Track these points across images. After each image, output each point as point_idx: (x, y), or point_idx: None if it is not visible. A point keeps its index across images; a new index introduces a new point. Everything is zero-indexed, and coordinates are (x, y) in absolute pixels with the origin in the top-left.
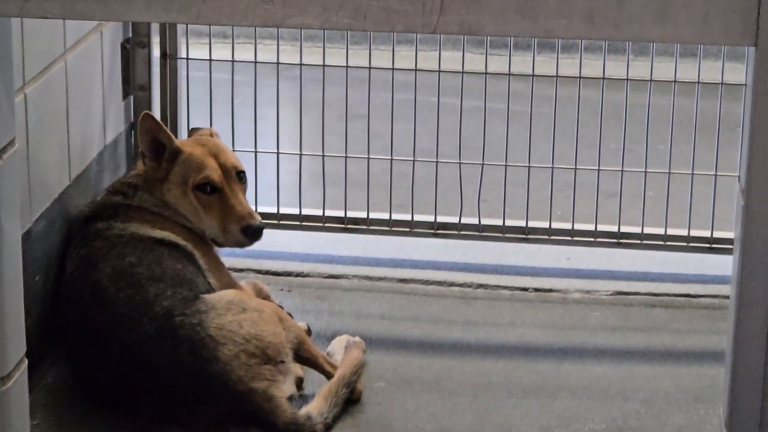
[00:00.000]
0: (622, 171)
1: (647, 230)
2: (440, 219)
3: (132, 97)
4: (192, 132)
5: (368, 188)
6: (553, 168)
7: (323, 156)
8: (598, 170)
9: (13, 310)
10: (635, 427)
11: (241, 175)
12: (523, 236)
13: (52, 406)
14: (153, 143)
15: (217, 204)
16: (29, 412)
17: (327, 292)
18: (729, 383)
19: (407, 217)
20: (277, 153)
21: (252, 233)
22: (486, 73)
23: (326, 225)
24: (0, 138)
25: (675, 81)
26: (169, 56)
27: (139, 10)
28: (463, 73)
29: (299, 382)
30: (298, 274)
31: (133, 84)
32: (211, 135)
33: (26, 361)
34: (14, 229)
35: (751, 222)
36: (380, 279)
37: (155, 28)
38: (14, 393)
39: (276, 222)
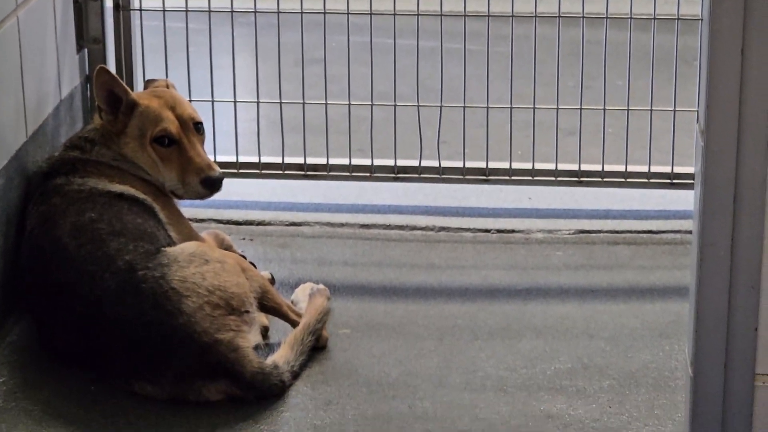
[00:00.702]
0: (580, 109)
1: (608, 168)
2: (400, 162)
3: (86, 50)
4: (148, 83)
5: (327, 134)
6: (511, 108)
7: (281, 103)
8: (557, 109)
9: None
10: (601, 365)
11: (198, 126)
12: (484, 177)
13: (18, 364)
14: (109, 97)
15: (176, 156)
16: None
17: (289, 240)
18: (693, 321)
19: (367, 161)
20: (234, 101)
21: (211, 185)
22: (441, 15)
23: (286, 172)
24: None
25: (631, 17)
26: (122, 7)
27: None
28: (418, 15)
29: (264, 332)
30: (259, 223)
31: (86, 37)
32: (167, 86)
33: None
34: None
35: (711, 162)
36: (342, 225)
37: None
38: None
39: (235, 171)
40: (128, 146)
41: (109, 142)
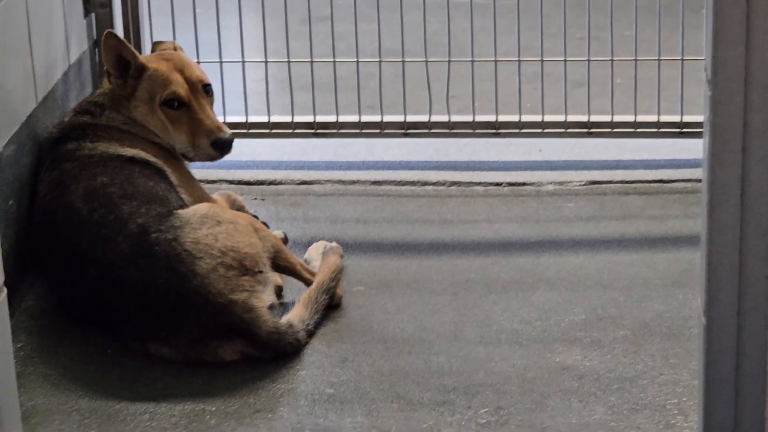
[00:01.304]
0: (588, 60)
1: (617, 118)
2: (410, 118)
3: (93, 14)
4: (155, 46)
5: (336, 91)
6: (519, 61)
7: (289, 62)
8: (565, 61)
9: None
10: (615, 316)
11: (207, 88)
12: (494, 131)
13: (35, 329)
14: (117, 61)
15: (185, 119)
16: (11, 336)
17: (301, 198)
18: (705, 270)
19: (377, 118)
20: (243, 62)
21: (222, 146)
22: None
23: (296, 131)
24: None
25: None
26: None
27: None
28: None
29: (279, 291)
30: (270, 183)
31: (93, 1)
32: (175, 49)
33: (5, 290)
34: None
35: (718, 111)
36: (353, 182)
37: None
38: None
39: (245, 131)
40: (138, 110)
41: (119, 106)
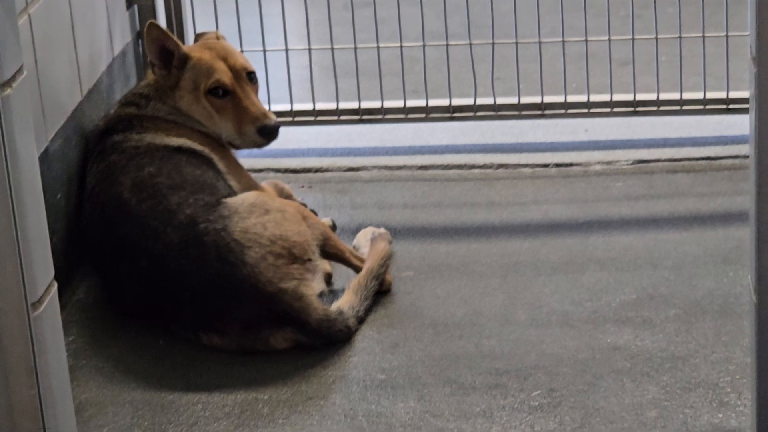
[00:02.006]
0: (633, 39)
1: (663, 96)
2: (455, 102)
3: (135, 6)
4: (198, 37)
5: (380, 77)
6: (564, 41)
7: (332, 48)
8: (609, 40)
9: (38, 235)
10: (666, 295)
11: (251, 76)
12: (540, 112)
13: (86, 321)
14: (161, 52)
15: (231, 107)
16: (63, 330)
17: (348, 185)
18: (754, 246)
19: (422, 102)
20: (286, 50)
21: (268, 133)
22: None
23: (341, 118)
24: (7, 67)
25: None
26: None
27: None
28: None
29: (328, 279)
30: (317, 170)
31: None
32: (218, 38)
33: (56, 285)
34: (31, 155)
35: (764, 88)
36: (400, 168)
37: None
38: (46, 317)
39: (291, 119)
40: (183, 99)
41: (164, 97)
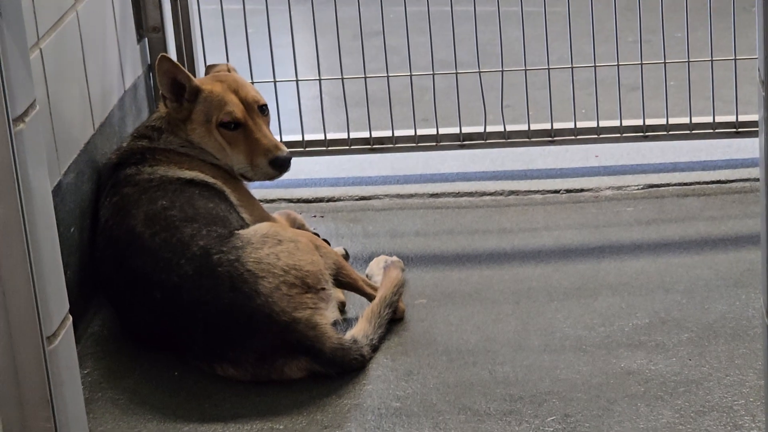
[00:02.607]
0: (641, 64)
1: (672, 120)
2: (465, 129)
3: (146, 39)
4: (209, 69)
5: (390, 106)
6: (572, 67)
7: (342, 78)
8: (618, 65)
9: (53, 269)
10: (678, 318)
11: (262, 108)
12: (550, 138)
13: (101, 354)
14: (172, 85)
15: (243, 139)
16: (78, 363)
17: (360, 214)
18: (766, 268)
19: (432, 131)
20: (296, 80)
21: (280, 165)
22: None
23: (352, 147)
24: (20, 102)
25: None
26: None
27: None
28: None
29: (341, 307)
30: (329, 200)
31: (146, 26)
32: (228, 70)
33: (70, 318)
34: (45, 189)
35: None
36: (411, 196)
37: None
38: (61, 351)
39: (302, 149)
40: (195, 132)
41: (176, 129)
